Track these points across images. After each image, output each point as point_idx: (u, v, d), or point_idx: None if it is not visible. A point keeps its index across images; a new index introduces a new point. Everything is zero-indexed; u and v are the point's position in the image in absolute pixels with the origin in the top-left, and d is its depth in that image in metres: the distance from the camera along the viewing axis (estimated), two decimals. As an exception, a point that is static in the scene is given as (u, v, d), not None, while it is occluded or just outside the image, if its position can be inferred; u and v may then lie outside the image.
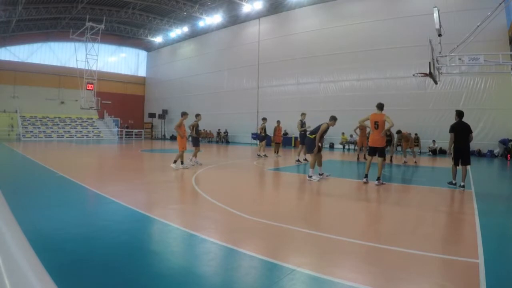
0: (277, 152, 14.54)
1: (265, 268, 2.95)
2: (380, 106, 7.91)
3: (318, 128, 8.25)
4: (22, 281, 0.64)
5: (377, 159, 7.85)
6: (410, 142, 13.16)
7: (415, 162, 12.53)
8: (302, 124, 12.05)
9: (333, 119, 8.34)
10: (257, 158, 13.68)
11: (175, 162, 9.80)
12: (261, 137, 14.32)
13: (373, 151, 7.88)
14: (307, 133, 9.39)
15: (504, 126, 16.32)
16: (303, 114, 12.34)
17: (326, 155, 9.22)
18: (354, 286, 2.56)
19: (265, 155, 14.02)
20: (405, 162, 12.61)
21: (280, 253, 3.30)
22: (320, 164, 8.38)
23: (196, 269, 2.97)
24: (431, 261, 3.13)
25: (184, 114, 10.04)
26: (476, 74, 16.71)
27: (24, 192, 6.14)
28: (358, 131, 13.43)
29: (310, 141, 8.38)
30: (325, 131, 8.24)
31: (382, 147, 7.80)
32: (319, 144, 8.25)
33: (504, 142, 16.13)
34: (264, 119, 14.37)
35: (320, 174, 8.27)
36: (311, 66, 23.62)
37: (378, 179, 7.54)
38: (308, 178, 7.98)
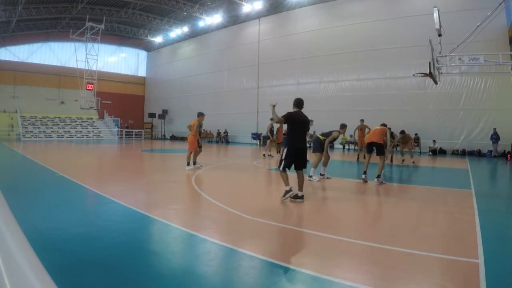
0: (280, 152, 14.58)
1: (265, 268, 2.95)
2: (384, 124, 8.63)
3: (329, 133, 8.37)
4: (22, 281, 0.64)
5: (376, 158, 7.93)
6: (409, 143, 13.11)
7: (413, 162, 12.50)
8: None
9: (344, 127, 8.52)
10: (259, 158, 13.68)
11: (188, 164, 9.62)
12: (267, 137, 14.43)
13: (370, 147, 7.94)
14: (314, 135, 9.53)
15: (504, 126, 16.31)
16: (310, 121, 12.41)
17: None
18: (354, 286, 2.56)
19: (270, 155, 14.04)
20: (403, 160, 12.59)
21: (280, 253, 3.30)
22: (325, 165, 8.43)
23: (196, 269, 2.97)
24: (431, 261, 3.13)
25: (200, 115, 9.75)
26: (476, 74, 16.70)
27: (24, 192, 6.13)
28: (357, 132, 13.59)
29: (318, 142, 8.39)
30: (335, 138, 8.41)
31: (379, 144, 7.85)
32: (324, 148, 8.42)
33: (492, 138, 16.33)
34: (272, 119, 14.39)
35: (321, 175, 8.30)
36: (311, 66, 23.62)
37: (378, 177, 7.58)
38: (308, 177, 7.96)
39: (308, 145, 8.04)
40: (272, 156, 13.96)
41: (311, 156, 7.64)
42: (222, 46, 30.30)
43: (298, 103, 5.89)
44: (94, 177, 8.81)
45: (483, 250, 3.35)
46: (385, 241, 3.70)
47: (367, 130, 13.23)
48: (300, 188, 5.67)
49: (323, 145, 8.25)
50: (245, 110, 27.86)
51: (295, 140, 5.78)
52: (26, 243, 0.77)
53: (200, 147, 9.98)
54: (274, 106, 5.85)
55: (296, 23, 24.93)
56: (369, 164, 7.97)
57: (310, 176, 7.94)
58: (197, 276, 2.82)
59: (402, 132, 12.98)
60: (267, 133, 14.59)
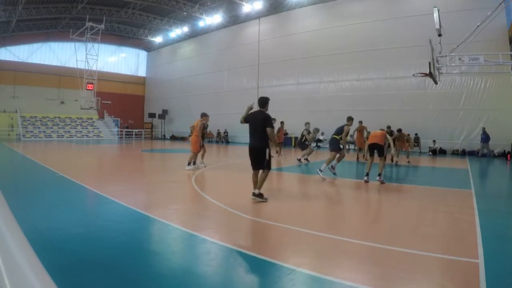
0: (278, 152, 14.57)
1: (265, 268, 2.95)
2: (382, 129, 8.80)
3: (341, 129, 8.57)
4: (22, 281, 0.64)
5: (378, 159, 7.99)
6: (405, 145, 13.06)
7: (408, 162, 12.46)
8: (308, 133, 12.28)
9: (350, 119, 8.79)
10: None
11: (189, 164, 9.61)
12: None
13: (372, 149, 7.99)
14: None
15: (504, 126, 16.30)
16: (307, 124, 12.51)
17: (326, 155, 9.33)
18: (354, 286, 2.56)
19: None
20: (396, 162, 12.46)
21: (280, 253, 3.30)
22: (338, 161, 8.73)
23: (196, 269, 2.97)
24: (431, 261, 3.13)
25: (204, 115, 9.72)
26: (476, 74, 16.70)
27: (24, 192, 6.13)
28: (355, 133, 13.61)
29: (334, 141, 8.63)
30: (348, 132, 8.70)
31: (381, 145, 7.91)
32: (343, 144, 8.75)
33: (482, 138, 16.37)
34: (274, 119, 14.43)
35: (332, 167, 8.52)
36: (311, 66, 23.61)
37: (379, 175, 7.68)
38: (318, 170, 8.24)
39: (316, 143, 8.22)
40: (272, 156, 13.95)
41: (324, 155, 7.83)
42: (222, 46, 30.29)
43: (261, 103, 6.00)
44: (94, 177, 8.80)
45: (483, 250, 3.35)
46: (385, 241, 3.70)
47: (366, 131, 13.27)
48: (255, 186, 5.71)
49: (338, 143, 8.52)
50: (245, 110, 27.82)
51: (249, 139, 6.02)
52: (26, 243, 0.77)
53: (202, 146, 9.99)
54: (251, 107, 6.06)
55: (296, 23, 24.92)
56: (371, 166, 8.02)
57: (320, 171, 8.16)
58: (197, 276, 2.82)
59: (399, 130, 12.99)
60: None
